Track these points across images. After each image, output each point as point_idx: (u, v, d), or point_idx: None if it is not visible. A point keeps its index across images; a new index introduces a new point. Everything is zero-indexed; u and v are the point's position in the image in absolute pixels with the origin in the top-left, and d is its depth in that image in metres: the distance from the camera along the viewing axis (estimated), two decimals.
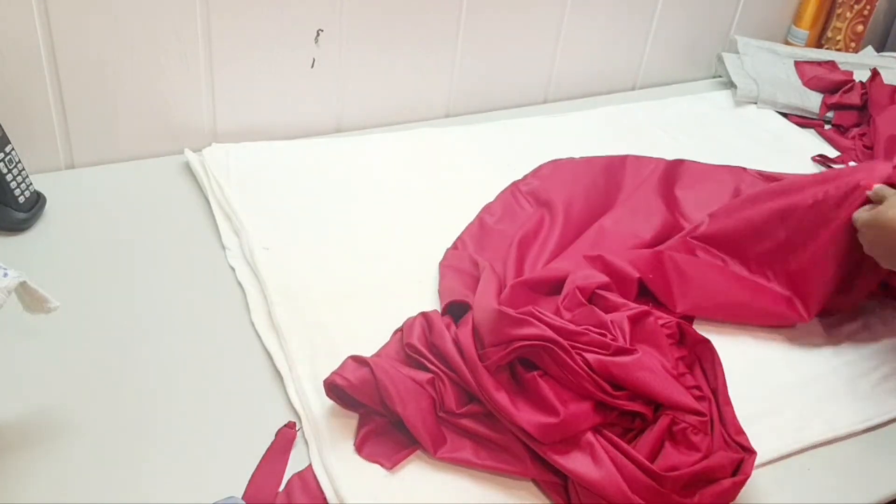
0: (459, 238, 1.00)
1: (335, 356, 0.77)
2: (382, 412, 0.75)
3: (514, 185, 1.12)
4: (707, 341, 0.82)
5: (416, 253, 0.98)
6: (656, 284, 0.93)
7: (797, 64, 1.51)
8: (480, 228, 1.03)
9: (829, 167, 1.27)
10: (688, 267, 0.94)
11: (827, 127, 1.40)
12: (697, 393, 0.78)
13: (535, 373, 0.75)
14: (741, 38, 1.52)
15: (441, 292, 0.91)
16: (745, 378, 0.85)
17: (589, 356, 0.75)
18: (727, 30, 1.53)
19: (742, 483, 0.71)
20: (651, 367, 0.76)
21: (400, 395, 0.73)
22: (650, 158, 1.20)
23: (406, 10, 1.19)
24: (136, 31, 1.03)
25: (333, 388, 0.75)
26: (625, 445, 0.72)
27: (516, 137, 1.25)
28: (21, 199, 0.94)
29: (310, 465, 0.72)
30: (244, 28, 1.10)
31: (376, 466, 0.72)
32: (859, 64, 1.52)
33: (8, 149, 0.93)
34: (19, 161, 0.94)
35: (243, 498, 0.68)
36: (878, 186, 0.87)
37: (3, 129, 0.92)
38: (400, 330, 0.83)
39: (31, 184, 0.96)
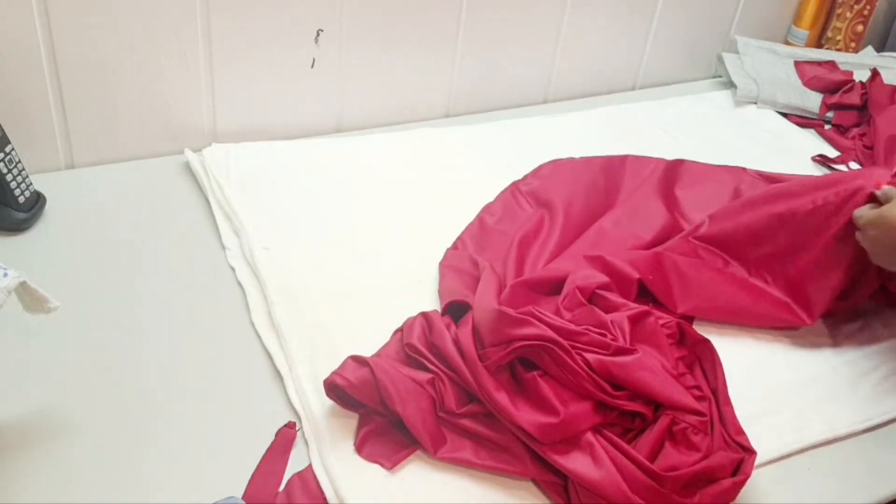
0: (459, 238, 1.00)
1: (335, 356, 0.77)
2: (382, 412, 0.75)
3: (514, 185, 1.12)
4: (707, 341, 0.82)
5: (416, 253, 0.98)
6: (656, 286, 0.93)
7: (797, 64, 1.51)
8: (480, 228, 1.03)
9: (829, 167, 1.27)
10: (688, 269, 0.94)
11: (827, 127, 1.40)
12: (697, 393, 0.78)
13: (535, 373, 0.75)
14: (741, 38, 1.52)
15: (441, 292, 0.91)
16: (745, 378, 0.85)
17: (589, 356, 0.75)
18: (727, 30, 1.53)
19: (742, 483, 0.71)
20: (651, 367, 0.76)
21: (400, 395, 0.73)
22: (650, 158, 1.20)
23: (406, 10, 1.19)
24: (136, 31, 1.03)
25: (333, 388, 0.75)
26: (625, 445, 0.72)
27: (516, 137, 1.25)
28: (21, 199, 0.94)
29: (310, 465, 0.72)
30: (244, 28, 1.10)
31: (376, 466, 0.72)
32: (859, 64, 1.52)
33: (8, 149, 0.93)
34: (19, 161, 0.94)
35: (243, 498, 0.68)
36: (886, 187, 0.87)
37: (3, 129, 0.92)
38: (400, 330, 0.83)
39: (31, 184, 0.96)
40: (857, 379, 0.89)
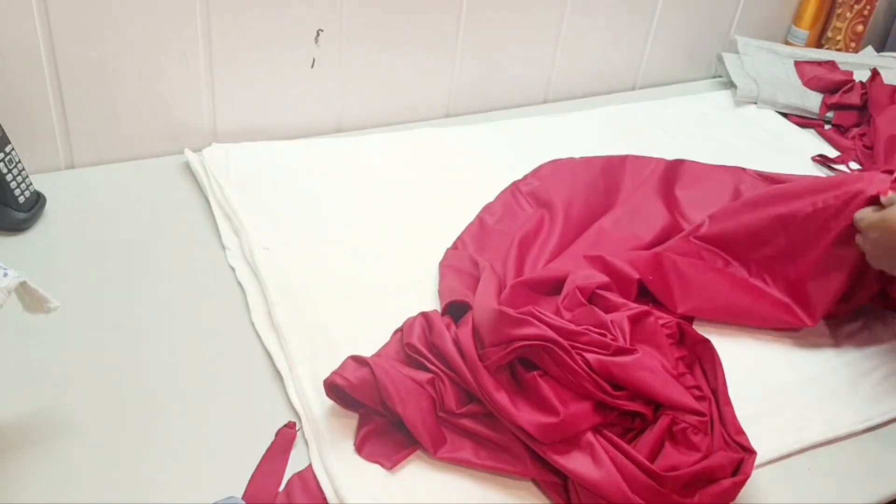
0: (459, 238, 1.00)
1: (335, 356, 0.77)
2: (382, 412, 0.75)
3: (515, 185, 1.12)
4: (707, 341, 0.82)
5: (416, 253, 0.98)
6: (656, 286, 0.93)
7: (797, 64, 1.51)
8: (480, 228, 1.03)
9: (829, 167, 1.27)
10: (688, 269, 0.94)
11: (827, 127, 1.40)
12: (697, 393, 0.78)
13: (535, 373, 0.75)
14: (741, 38, 1.52)
15: (441, 292, 0.91)
16: (745, 378, 0.85)
17: (589, 356, 0.75)
18: (727, 30, 1.53)
19: (742, 483, 0.71)
20: (651, 367, 0.76)
21: (400, 395, 0.73)
22: (650, 158, 1.20)
23: (406, 10, 1.19)
24: (136, 31, 1.03)
25: (333, 388, 0.75)
26: (625, 445, 0.72)
27: (516, 137, 1.25)
28: (21, 199, 0.94)
29: (310, 465, 0.72)
30: (244, 28, 1.10)
31: (376, 466, 0.72)
32: (859, 64, 1.52)
33: (8, 149, 0.93)
34: (19, 161, 0.94)
35: (243, 498, 0.68)
36: (892, 194, 0.87)
37: (3, 129, 0.92)
38: (400, 330, 0.83)
39: (31, 184, 0.96)
40: (857, 379, 0.89)
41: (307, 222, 1.01)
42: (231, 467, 0.71)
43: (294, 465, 0.72)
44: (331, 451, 0.72)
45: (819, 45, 1.60)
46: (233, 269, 0.93)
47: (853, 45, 1.58)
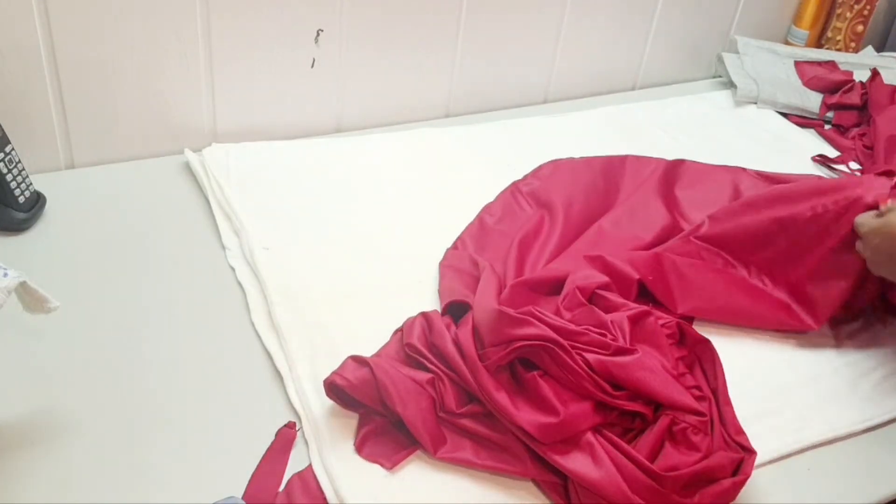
0: (459, 238, 1.00)
1: (335, 356, 0.77)
2: (382, 412, 0.75)
3: (515, 185, 1.12)
4: (707, 341, 0.82)
5: (416, 253, 0.98)
6: (656, 286, 0.93)
7: (797, 64, 1.51)
8: (480, 228, 1.03)
9: (829, 167, 1.27)
10: (688, 270, 0.94)
11: (827, 127, 1.40)
12: (697, 393, 0.78)
13: (535, 373, 0.75)
14: (741, 38, 1.52)
15: (441, 292, 0.91)
16: (745, 378, 0.85)
17: (589, 356, 0.75)
18: (727, 30, 1.53)
19: (742, 483, 0.71)
20: (651, 367, 0.76)
21: (400, 395, 0.73)
22: (650, 158, 1.20)
23: (406, 10, 1.19)
24: (136, 31, 1.03)
25: (333, 388, 0.75)
26: (625, 445, 0.72)
27: (516, 137, 1.25)
28: (21, 199, 0.94)
29: (310, 465, 0.72)
30: (244, 28, 1.10)
31: (376, 466, 0.72)
32: (859, 64, 1.52)
33: (8, 149, 0.93)
34: (19, 161, 0.94)
35: (243, 498, 0.68)
36: (893, 202, 0.87)
37: (3, 129, 0.92)
38: (400, 330, 0.83)
39: (31, 184, 0.96)
40: (857, 379, 0.89)
41: (307, 222, 1.01)
42: (231, 467, 0.71)
43: (294, 465, 0.72)
44: (331, 451, 0.72)
45: (819, 45, 1.60)
46: (233, 269, 0.93)
47: (853, 45, 1.58)
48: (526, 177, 1.14)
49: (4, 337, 0.80)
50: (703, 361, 0.82)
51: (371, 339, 0.83)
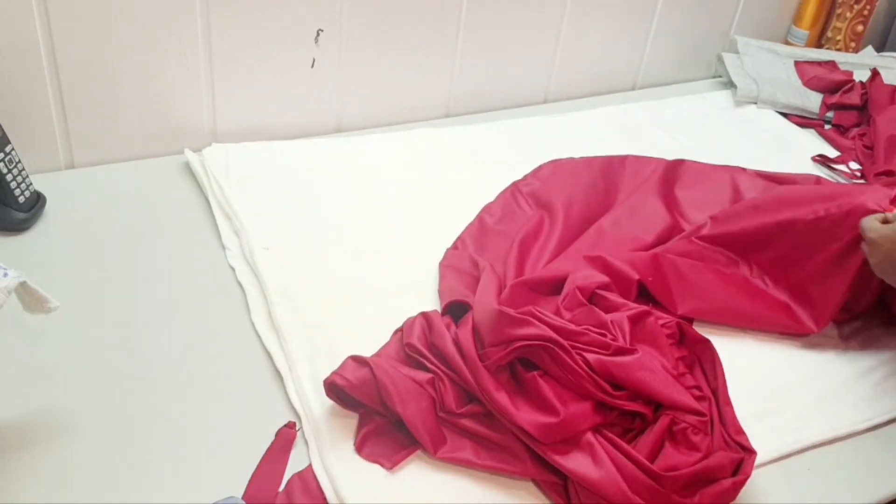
0: (459, 238, 1.00)
1: (335, 356, 0.77)
2: (382, 412, 0.75)
3: (515, 185, 1.12)
4: (707, 341, 0.82)
5: (416, 253, 0.98)
6: (656, 287, 0.93)
7: (797, 64, 1.51)
8: (480, 228, 1.03)
9: (829, 167, 1.27)
10: (688, 271, 0.94)
11: (827, 127, 1.40)
12: (697, 393, 0.78)
13: (535, 373, 0.75)
14: (741, 38, 1.52)
15: (441, 292, 0.91)
16: (745, 378, 0.85)
17: (589, 356, 0.75)
18: (727, 30, 1.53)
19: (742, 483, 0.71)
20: (651, 367, 0.76)
21: (400, 395, 0.73)
22: (650, 158, 1.20)
23: (406, 10, 1.19)
24: (136, 31, 1.03)
25: (333, 388, 0.75)
26: (625, 445, 0.72)
27: (516, 137, 1.25)
28: (21, 199, 0.94)
29: (310, 465, 0.72)
30: (244, 28, 1.10)
31: (376, 466, 0.72)
32: (859, 64, 1.52)
33: (8, 149, 0.93)
34: (19, 161, 0.94)
35: (243, 498, 0.68)
36: None
37: (3, 129, 0.92)
38: (400, 330, 0.83)
39: (31, 184, 0.96)
40: (857, 379, 0.89)
41: (307, 222, 1.01)
42: (231, 467, 0.71)
43: (294, 465, 0.72)
44: (331, 451, 0.72)
45: (819, 45, 1.60)
46: (233, 269, 0.93)
47: (853, 45, 1.58)
48: (526, 177, 1.14)
49: (4, 337, 0.80)
50: (703, 361, 0.82)
51: (371, 339, 0.83)
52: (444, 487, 0.72)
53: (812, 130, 1.39)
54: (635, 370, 0.75)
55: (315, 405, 0.76)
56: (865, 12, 1.55)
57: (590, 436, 0.72)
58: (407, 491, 0.71)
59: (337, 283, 0.92)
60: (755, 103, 1.43)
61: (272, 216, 1.01)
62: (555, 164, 1.17)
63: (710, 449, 0.73)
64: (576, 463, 0.71)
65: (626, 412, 0.75)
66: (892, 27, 1.68)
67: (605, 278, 0.90)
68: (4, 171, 0.92)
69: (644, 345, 0.80)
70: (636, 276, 0.92)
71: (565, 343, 0.75)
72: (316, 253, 0.96)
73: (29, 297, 0.69)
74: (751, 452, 0.73)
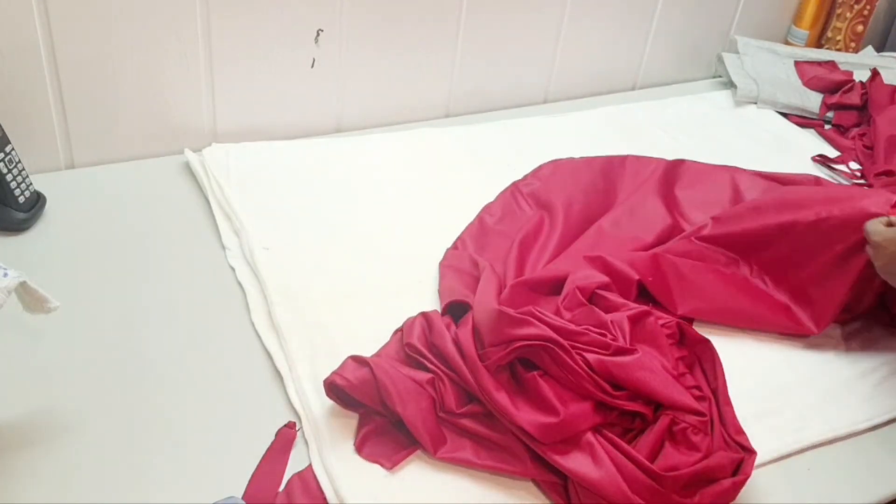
0: (459, 238, 1.00)
1: (335, 356, 0.77)
2: (382, 412, 0.75)
3: (515, 185, 1.12)
4: (707, 341, 0.82)
5: (416, 253, 0.98)
6: (656, 287, 0.93)
7: (797, 64, 1.51)
8: (480, 228, 1.03)
9: (829, 167, 1.27)
10: (688, 271, 0.94)
11: (827, 127, 1.40)
12: (697, 393, 0.78)
13: (535, 373, 0.75)
14: (741, 38, 1.52)
15: (441, 292, 0.91)
16: (745, 378, 0.85)
17: (589, 356, 0.75)
18: (727, 30, 1.53)
19: (742, 483, 0.71)
20: (651, 367, 0.76)
21: (400, 395, 0.73)
22: (650, 158, 1.20)
23: (406, 10, 1.19)
24: (136, 31, 1.03)
25: (333, 388, 0.75)
26: (625, 445, 0.72)
27: (516, 137, 1.25)
28: (21, 199, 0.94)
29: (310, 465, 0.72)
30: (244, 28, 1.10)
31: (376, 466, 0.72)
32: (859, 64, 1.52)
33: (8, 149, 0.93)
34: (19, 161, 0.94)
35: (243, 498, 0.68)
36: None
37: (3, 129, 0.92)
38: (400, 330, 0.83)
39: (31, 184, 0.96)
40: (857, 379, 0.89)
41: (307, 222, 1.01)
42: (231, 467, 0.71)
43: (294, 465, 0.72)
44: (331, 451, 0.72)
45: (819, 45, 1.60)
46: (233, 269, 0.93)
47: (853, 45, 1.58)
48: (526, 177, 1.14)
49: (4, 337, 0.80)
50: (703, 361, 0.82)
51: (371, 339, 0.83)
52: (444, 487, 0.72)
53: (812, 130, 1.39)
54: (635, 370, 0.75)
55: (315, 405, 0.76)
56: (865, 12, 1.55)
57: (590, 436, 0.72)
58: (407, 491, 0.71)
59: (337, 283, 0.92)
60: (755, 103, 1.43)
61: (272, 216, 1.01)
62: (555, 164, 1.17)
63: (710, 449, 0.73)
64: (576, 463, 0.71)
65: (626, 412, 0.75)
66: (892, 27, 1.68)
67: (605, 278, 0.90)
68: (4, 171, 0.92)
69: (644, 345, 0.80)
70: (636, 276, 0.92)
71: (565, 343, 0.75)
72: (316, 253, 0.96)
73: (29, 297, 0.69)
74: (751, 452, 0.73)
